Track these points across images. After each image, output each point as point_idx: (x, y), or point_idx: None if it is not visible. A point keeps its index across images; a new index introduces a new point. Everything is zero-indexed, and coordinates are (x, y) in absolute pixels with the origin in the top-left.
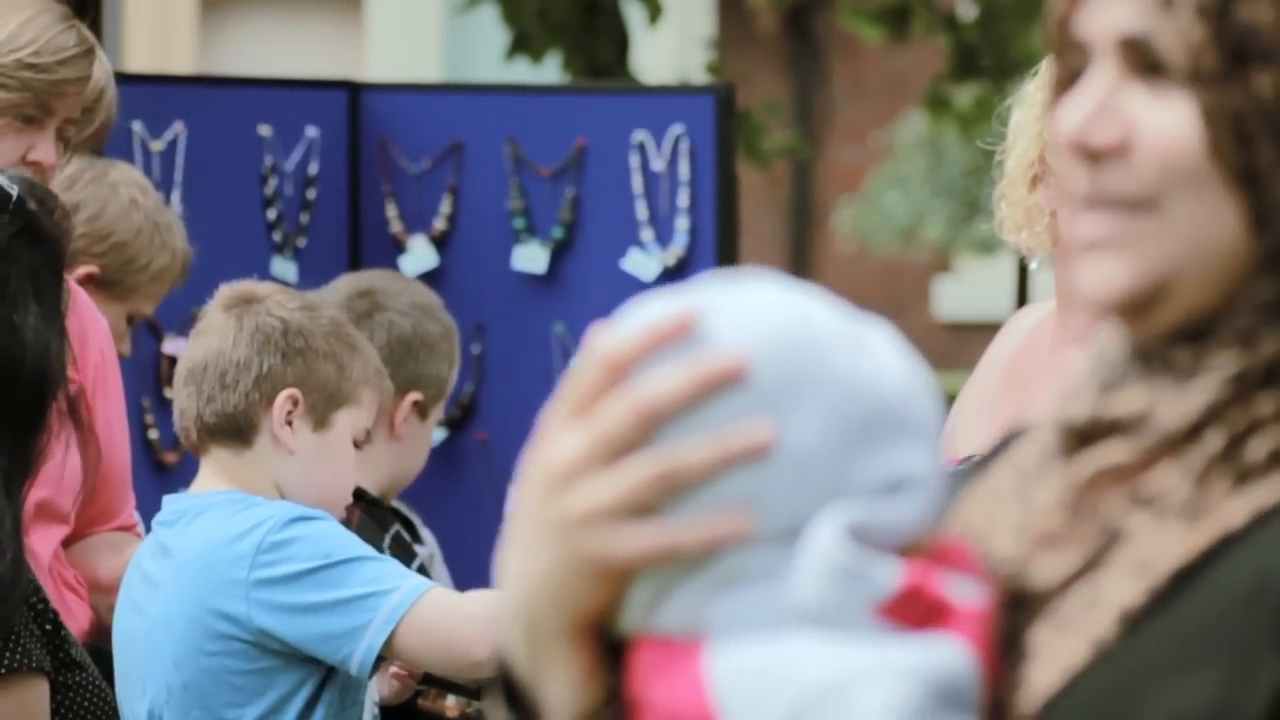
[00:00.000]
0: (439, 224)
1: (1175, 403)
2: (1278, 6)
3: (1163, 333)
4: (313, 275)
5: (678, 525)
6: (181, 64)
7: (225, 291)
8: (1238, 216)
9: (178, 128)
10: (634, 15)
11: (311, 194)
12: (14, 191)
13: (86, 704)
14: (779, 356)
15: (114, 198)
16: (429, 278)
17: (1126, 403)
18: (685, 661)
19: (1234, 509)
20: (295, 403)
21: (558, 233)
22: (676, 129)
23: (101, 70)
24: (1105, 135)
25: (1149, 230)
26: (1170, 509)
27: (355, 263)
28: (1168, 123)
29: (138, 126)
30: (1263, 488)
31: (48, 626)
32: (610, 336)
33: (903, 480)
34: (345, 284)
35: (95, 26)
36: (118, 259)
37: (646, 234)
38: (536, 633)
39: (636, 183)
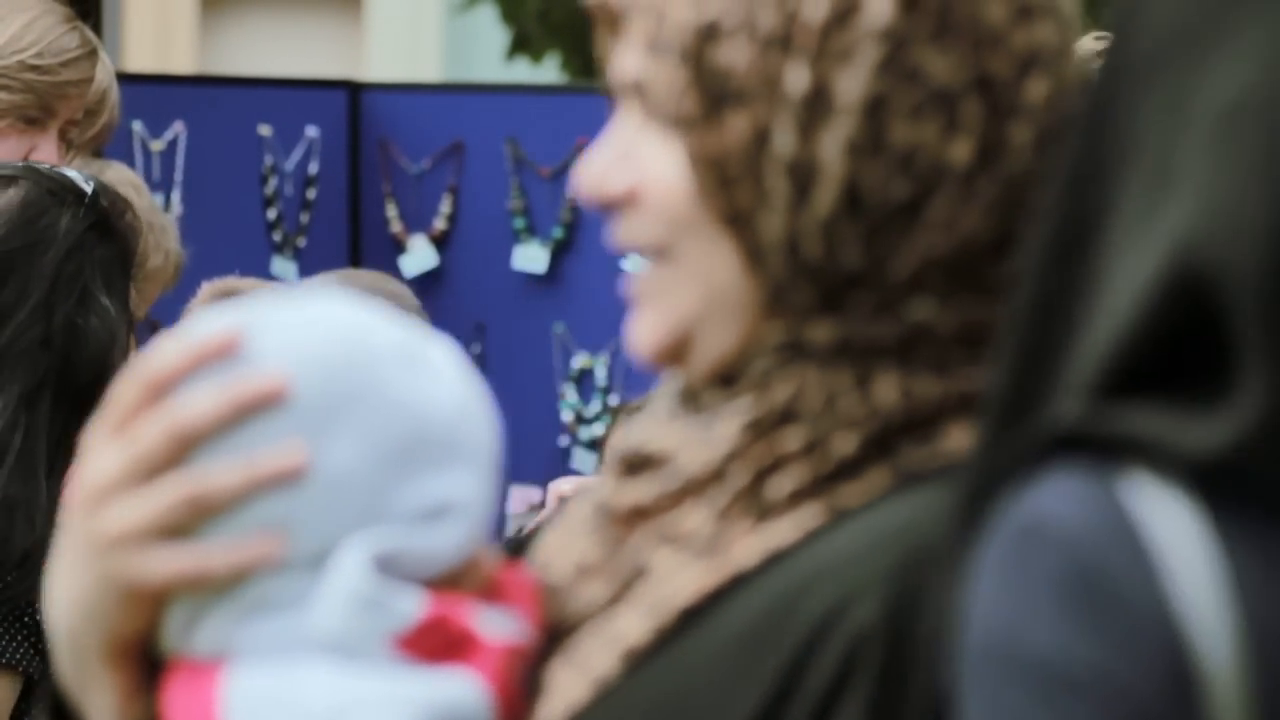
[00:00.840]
0: (439, 224)
1: (698, 447)
2: (753, 48)
3: (704, 378)
4: (313, 275)
5: (206, 549)
6: (181, 64)
7: (208, 288)
8: (738, 260)
9: (178, 128)
10: None
11: (311, 194)
12: (89, 188)
13: None
14: (322, 377)
15: None
16: (429, 278)
17: (659, 440)
18: (203, 683)
19: (749, 548)
20: None
21: (558, 233)
22: None
23: (104, 72)
24: (618, 184)
25: (668, 280)
26: (692, 546)
27: (355, 262)
28: (667, 169)
29: (138, 126)
30: (781, 525)
31: (31, 618)
32: (156, 353)
33: (444, 507)
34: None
35: (95, 27)
36: None
37: None
38: (77, 652)
39: None
